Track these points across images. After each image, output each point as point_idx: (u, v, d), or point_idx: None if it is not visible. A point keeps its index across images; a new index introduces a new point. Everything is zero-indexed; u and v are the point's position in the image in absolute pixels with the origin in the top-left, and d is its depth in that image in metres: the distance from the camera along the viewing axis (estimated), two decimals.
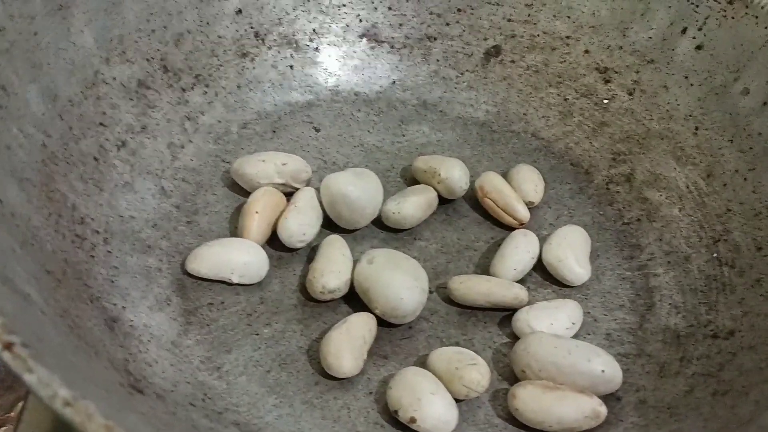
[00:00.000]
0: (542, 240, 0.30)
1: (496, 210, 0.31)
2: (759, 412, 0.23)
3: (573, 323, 0.28)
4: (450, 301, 0.29)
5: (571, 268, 0.29)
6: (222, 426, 0.24)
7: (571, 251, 0.29)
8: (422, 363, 0.27)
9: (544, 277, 0.30)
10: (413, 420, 0.24)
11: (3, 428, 0.29)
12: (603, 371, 0.25)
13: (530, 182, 0.32)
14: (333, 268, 0.28)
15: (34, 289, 0.22)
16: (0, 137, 0.25)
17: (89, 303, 0.25)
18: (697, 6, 0.32)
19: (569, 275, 0.29)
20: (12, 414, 0.30)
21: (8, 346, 0.17)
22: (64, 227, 0.26)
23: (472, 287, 0.28)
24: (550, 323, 0.27)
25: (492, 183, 0.31)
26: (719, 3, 0.31)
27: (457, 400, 0.26)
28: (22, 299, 0.21)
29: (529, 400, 0.25)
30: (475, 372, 0.25)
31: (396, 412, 0.25)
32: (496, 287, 0.28)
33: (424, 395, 0.24)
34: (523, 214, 0.31)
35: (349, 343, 0.26)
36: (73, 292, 0.25)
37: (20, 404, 0.29)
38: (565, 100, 0.34)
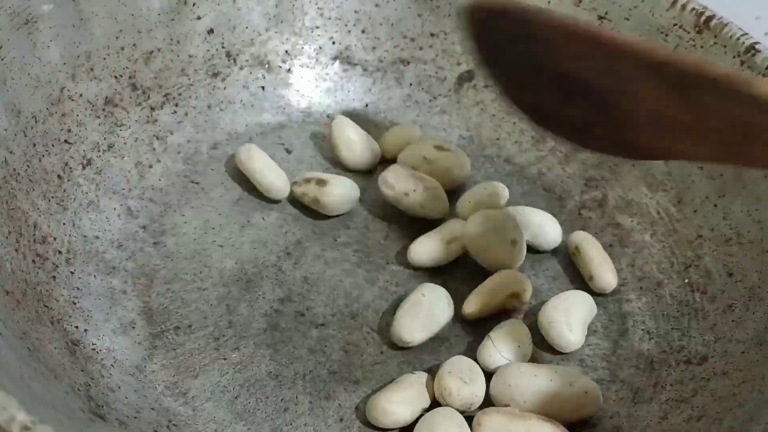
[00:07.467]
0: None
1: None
2: None
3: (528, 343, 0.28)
4: None
5: (560, 332, 0.28)
6: None
7: (565, 315, 0.28)
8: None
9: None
10: None
11: None
12: (586, 393, 0.26)
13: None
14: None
15: None
16: None
17: (50, 325, 0.25)
18: (667, 35, 0.32)
19: (558, 340, 0.28)
20: None
21: None
22: (25, 246, 0.26)
23: None
24: (517, 345, 0.27)
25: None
26: (688, 32, 0.31)
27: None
28: None
29: (496, 429, 0.24)
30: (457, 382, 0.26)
31: None
32: None
33: None
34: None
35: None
36: (32, 314, 0.25)
37: None
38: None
